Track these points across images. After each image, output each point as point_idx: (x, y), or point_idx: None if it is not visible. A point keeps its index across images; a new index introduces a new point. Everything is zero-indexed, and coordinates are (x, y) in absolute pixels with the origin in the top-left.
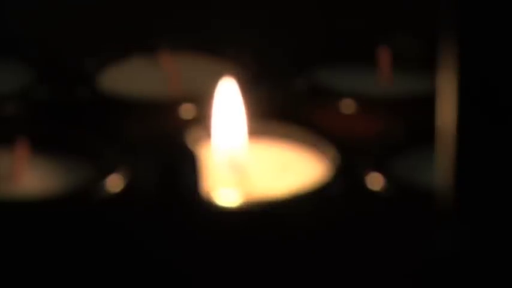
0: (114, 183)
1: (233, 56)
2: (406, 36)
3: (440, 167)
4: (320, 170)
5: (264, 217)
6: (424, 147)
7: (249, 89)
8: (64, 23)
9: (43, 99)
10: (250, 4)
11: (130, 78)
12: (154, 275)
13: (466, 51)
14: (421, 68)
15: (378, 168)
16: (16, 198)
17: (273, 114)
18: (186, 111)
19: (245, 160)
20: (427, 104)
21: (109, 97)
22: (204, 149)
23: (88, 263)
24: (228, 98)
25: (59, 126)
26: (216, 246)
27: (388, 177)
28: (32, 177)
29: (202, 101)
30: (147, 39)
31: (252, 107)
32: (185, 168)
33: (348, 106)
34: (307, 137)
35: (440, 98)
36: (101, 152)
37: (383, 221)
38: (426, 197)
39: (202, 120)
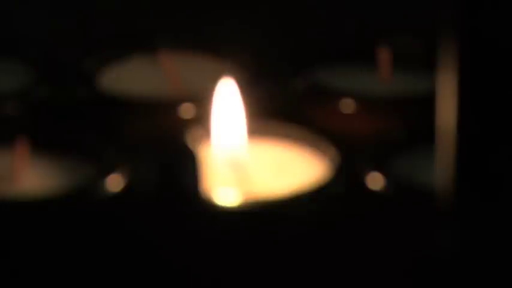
0: (114, 183)
1: (233, 56)
2: (406, 36)
3: (440, 167)
4: (320, 170)
5: (264, 217)
6: (424, 147)
7: (249, 89)
8: (64, 23)
9: (43, 99)
10: (250, 4)
11: (130, 78)
12: (154, 275)
13: (466, 51)
14: (421, 68)
15: (378, 168)
16: (16, 198)
17: (272, 114)
18: (186, 111)
19: (245, 160)
20: (427, 104)
21: (109, 97)
22: (204, 149)
23: (88, 262)
24: (227, 98)
25: (59, 126)
26: (216, 246)
27: (388, 177)
28: (32, 177)
29: (202, 100)
30: (147, 39)
31: (251, 107)
32: (185, 168)
33: (347, 106)
34: (307, 137)
35: (440, 98)
36: (101, 152)
37: (383, 221)
38: (426, 197)
39: (202, 120)
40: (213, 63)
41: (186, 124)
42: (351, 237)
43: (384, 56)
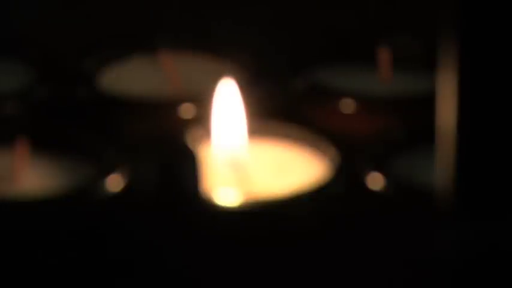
0: (114, 183)
1: (233, 56)
2: (406, 36)
3: (440, 167)
4: (320, 170)
5: (264, 217)
6: (424, 147)
7: (249, 89)
8: (64, 22)
9: (43, 99)
10: (250, 4)
11: (130, 78)
12: (154, 275)
13: (466, 51)
14: (421, 68)
15: (378, 168)
16: (16, 198)
17: (272, 114)
18: (186, 111)
19: (245, 160)
20: (427, 104)
21: (109, 97)
22: (204, 149)
23: (88, 262)
24: (227, 98)
25: (59, 126)
26: (216, 246)
27: (388, 177)
28: (32, 177)
29: (202, 101)
30: (147, 39)
31: (251, 107)
32: (185, 168)
33: (347, 106)
34: (307, 137)
35: (440, 98)
36: (101, 152)
37: (383, 221)
38: (426, 196)
39: (202, 120)
40: (213, 63)
41: (186, 124)
42: (351, 237)
43: (384, 56)
